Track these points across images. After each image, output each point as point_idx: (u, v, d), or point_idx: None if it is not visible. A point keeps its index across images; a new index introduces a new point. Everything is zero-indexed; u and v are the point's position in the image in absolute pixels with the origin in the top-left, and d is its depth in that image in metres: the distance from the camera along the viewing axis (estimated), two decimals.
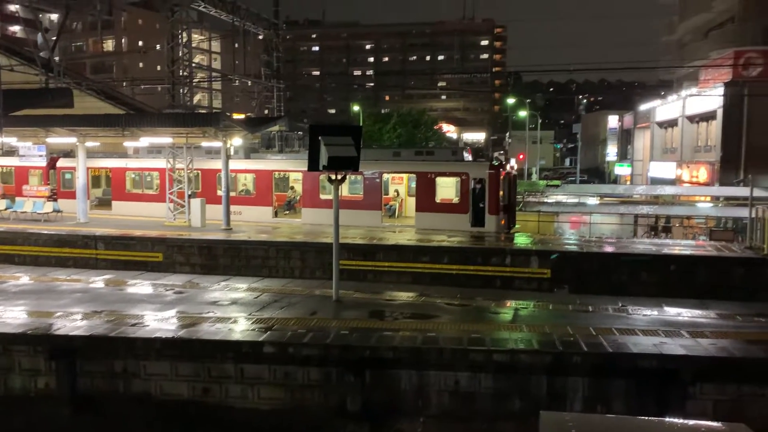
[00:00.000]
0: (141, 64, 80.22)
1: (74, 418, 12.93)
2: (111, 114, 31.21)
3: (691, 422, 7.47)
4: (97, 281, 18.32)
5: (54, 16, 37.72)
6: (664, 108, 46.40)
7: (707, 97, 36.44)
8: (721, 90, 34.49)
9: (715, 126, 35.74)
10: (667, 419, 8.18)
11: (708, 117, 37.26)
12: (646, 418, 8.71)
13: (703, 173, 35.78)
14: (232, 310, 14.93)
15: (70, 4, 31.61)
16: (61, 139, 25.21)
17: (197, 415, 12.62)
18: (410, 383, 12.21)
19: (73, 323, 13.63)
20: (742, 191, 27.30)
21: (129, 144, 28.77)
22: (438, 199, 23.28)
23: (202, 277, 18.99)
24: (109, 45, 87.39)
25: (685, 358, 11.59)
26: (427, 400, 12.21)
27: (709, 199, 30.06)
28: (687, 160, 39.66)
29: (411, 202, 24.76)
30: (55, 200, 26.65)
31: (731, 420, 8.06)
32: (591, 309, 15.20)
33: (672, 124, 44.72)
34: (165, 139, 24.31)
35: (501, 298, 16.37)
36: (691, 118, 40.26)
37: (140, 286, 17.74)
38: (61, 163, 28.99)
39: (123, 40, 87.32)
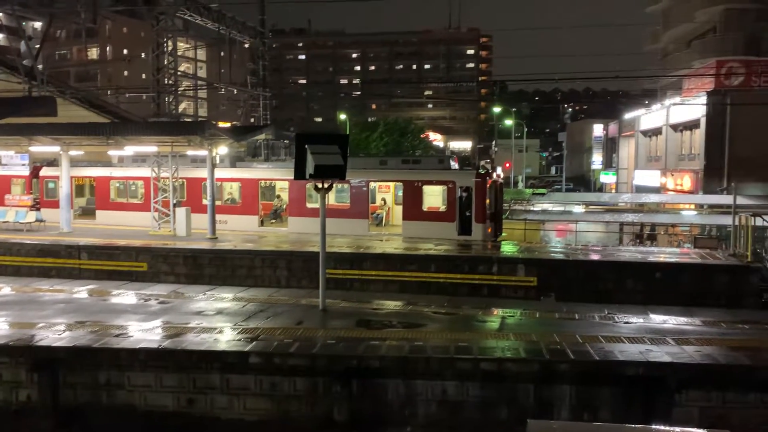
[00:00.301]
0: (126, 73, 79.87)
1: (57, 430, 12.74)
2: (95, 122, 30.98)
3: (678, 429, 7.50)
4: (81, 291, 18.10)
5: (38, 24, 37.50)
6: (649, 117, 46.86)
7: (690, 105, 36.85)
8: (704, 99, 34.89)
9: (699, 134, 36.13)
10: (653, 426, 8.19)
11: (691, 125, 37.68)
12: (633, 425, 8.71)
13: (687, 181, 36.12)
14: (218, 320, 14.80)
15: (54, 12, 31.43)
16: (44, 147, 24.96)
17: (182, 426, 12.47)
18: (397, 392, 12.15)
19: (55, 334, 13.44)
20: (726, 199, 27.57)
21: (113, 153, 28.57)
22: (425, 208, 23.29)
23: (187, 286, 18.83)
24: (93, 53, 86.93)
25: (671, 365, 11.64)
26: (414, 409, 12.15)
27: (693, 207, 30.33)
28: (671, 168, 40.04)
29: (398, 211, 24.74)
30: (38, 210, 26.35)
31: (716, 427, 8.11)
32: (577, 317, 15.23)
33: (656, 132, 45.17)
34: (150, 148, 24.15)
35: (488, 306, 16.36)
36: (675, 127, 40.68)
37: (124, 296, 17.56)
38: (45, 172, 28.69)
39: (107, 49, 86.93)
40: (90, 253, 20.52)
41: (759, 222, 18.86)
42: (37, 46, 33.63)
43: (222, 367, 12.36)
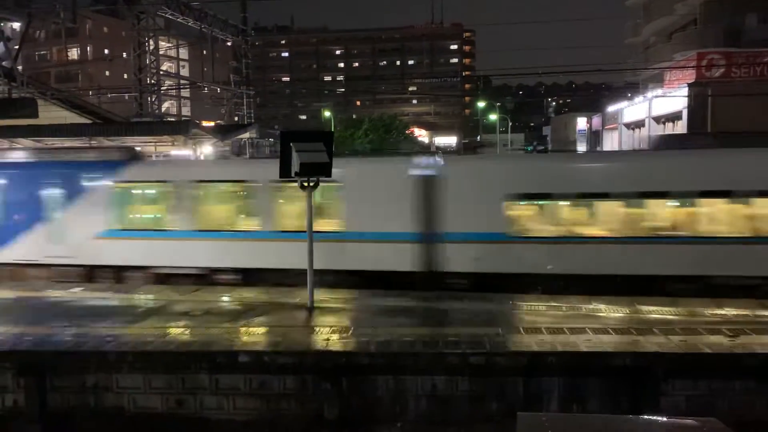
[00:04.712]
0: (107, 73, 79.13)
1: None
2: (78, 123, 30.69)
3: (665, 419, 7.59)
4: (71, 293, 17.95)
5: (16, 25, 37.07)
6: (631, 109, 47.25)
7: (672, 98, 37.18)
8: (685, 91, 35.22)
9: (681, 126, 36.47)
10: (641, 416, 8.30)
11: (674, 117, 38.04)
12: (621, 416, 8.81)
13: None
14: (205, 320, 14.74)
15: (33, 12, 31.06)
16: None
17: (172, 427, 12.41)
18: (387, 389, 12.17)
19: (42, 338, 13.31)
20: None
21: None
22: None
23: (172, 288, 18.73)
24: (73, 53, 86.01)
25: (658, 355, 11.76)
26: (404, 405, 12.19)
27: None
28: None
29: None
30: None
31: (703, 414, 8.20)
32: (564, 309, 15.32)
33: (639, 125, 45.54)
34: None
35: (472, 299, 16.39)
36: (657, 119, 41.05)
37: (110, 299, 17.44)
38: None
39: (88, 49, 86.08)
40: None
41: None
42: (16, 47, 33.24)
43: (211, 367, 12.32)
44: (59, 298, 17.32)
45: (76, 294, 17.79)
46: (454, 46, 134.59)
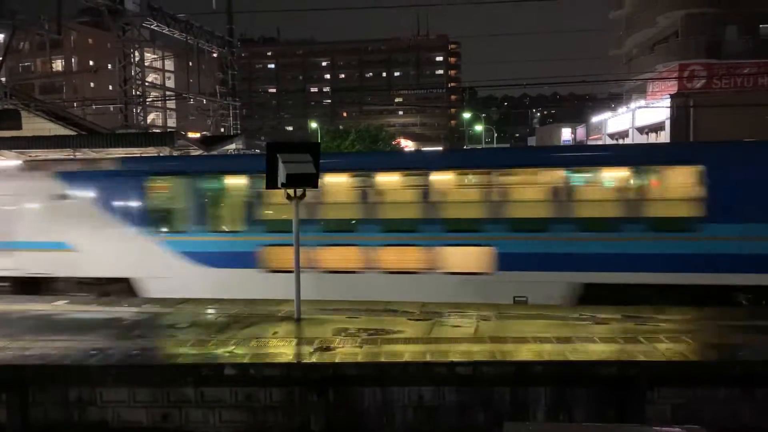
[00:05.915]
0: (92, 84, 78.78)
1: None
2: (62, 135, 30.46)
3: (651, 428, 7.63)
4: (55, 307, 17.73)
5: (0, 36, 36.86)
6: (615, 120, 47.79)
7: (655, 108, 37.66)
8: (668, 102, 35.68)
9: (664, 137, 36.89)
10: (627, 425, 8.32)
11: (657, 128, 38.50)
12: (607, 424, 8.84)
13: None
14: (191, 332, 14.62)
15: (17, 24, 30.89)
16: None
17: None
18: (374, 400, 12.12)
19: (23, 352, 13.13)
20: None
21: None
22: None
23: (158, 301, 18.57)
24: (58, 65, 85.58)
25: (643, 363, 11.81)
26: (391, 416, 12.14)
27: None
28: None
29: None
30: None
31: (688, 422, 8.26)
32: (551, 318, 15.36)
33: (623, 135, 46.03)
34: None
35: (463, 308, 16.40)
36: (641, 130, 41.53)
37: (94, 312, 17.26)
38: None
39: (73, 60, 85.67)
40: None
41: None
42: (0, 58, 33.00)
43: (196, 380, 12.20)
44: (42, 311, 17.12)
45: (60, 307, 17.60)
46: (439, 58, 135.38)
